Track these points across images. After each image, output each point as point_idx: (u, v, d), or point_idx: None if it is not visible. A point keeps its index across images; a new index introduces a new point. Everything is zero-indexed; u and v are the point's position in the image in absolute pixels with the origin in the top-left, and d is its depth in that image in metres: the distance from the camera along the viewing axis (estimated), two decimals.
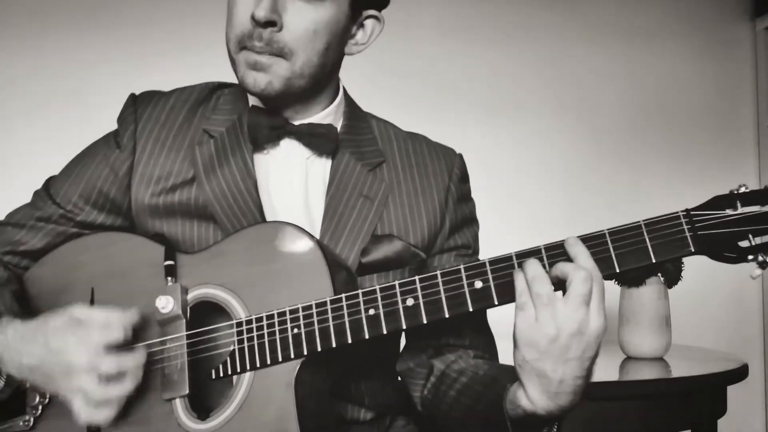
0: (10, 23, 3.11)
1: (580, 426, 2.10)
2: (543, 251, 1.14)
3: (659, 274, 2.43)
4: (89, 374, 1.14)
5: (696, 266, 1.98)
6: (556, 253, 1.14)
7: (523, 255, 1.15)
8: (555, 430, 1.16)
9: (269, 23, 1.24)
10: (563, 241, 1.14)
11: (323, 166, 1.38)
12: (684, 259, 2.38)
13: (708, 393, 2.24)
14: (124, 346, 1.18)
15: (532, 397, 1.11)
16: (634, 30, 3.48)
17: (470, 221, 1.47)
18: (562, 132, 3.41)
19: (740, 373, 2.31)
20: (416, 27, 3.33)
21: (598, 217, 3.32)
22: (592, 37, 3.46)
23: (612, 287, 2.51)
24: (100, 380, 1.14)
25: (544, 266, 1.12)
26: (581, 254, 1.11)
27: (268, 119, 1.34)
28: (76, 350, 1.14)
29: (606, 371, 2.43)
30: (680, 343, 2.69)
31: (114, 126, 1.43)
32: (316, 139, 1.35)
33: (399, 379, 1.45)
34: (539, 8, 3.42)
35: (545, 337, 1.08)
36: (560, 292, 1.11)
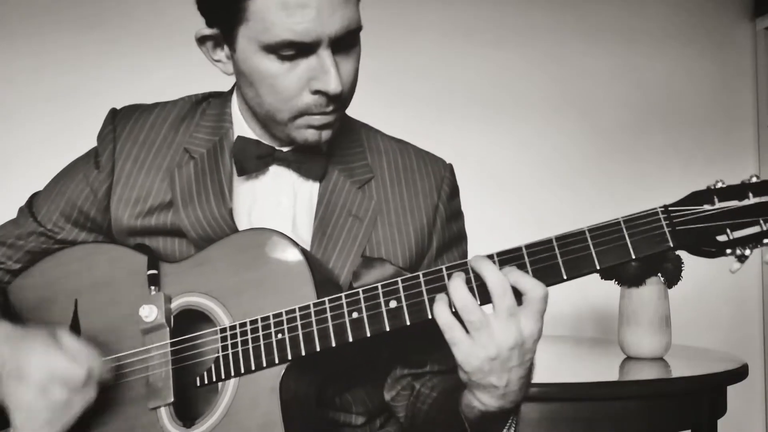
0: (9, 23, 3.13)
1: (581, 426, 2.10)
2: (444, 270, 1.16)
3: (659, 274, 2.43)
4: (38, 392, 1.14)
5: (696, 266, 1.97)
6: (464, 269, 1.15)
7: (503, 253, 1.14)
8: (513, 421, 1.22)
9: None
10: (466, 261, 1.15)
11: (311, 185, 1.37)
12: (684, 259, 2.40)
13: (708, 393, 2.23)
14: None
15: (484, 401, 1.15)
16: (634, 30, 3.47)
17: (458, 240, 1.46)
18: (562, 131, 3.41)
19: (740, 373, 2.30)
20: (417, 27, 3.33)
21: (599, 216, 3.31)
22: (592, 37, 3.45)
23: (612, 287, 2.51)
24: (47, 401, 1.15)
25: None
26: (486, 270, 1.12)
27: (256, 149, 1.34)
28: (36, 362, 1.15)
29: (606, 371, 2.43)
30: (680, 343, 2.68)
31: None
32: (304, 166, 1.34)
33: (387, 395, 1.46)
34: (540, 9, 3.42)
35: (487, 358, 1.10)
36: (490, 309, 1.12)
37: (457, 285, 1.11)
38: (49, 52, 3.13)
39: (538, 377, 2.12)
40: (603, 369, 2.49)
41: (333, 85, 1.21)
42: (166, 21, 3.17)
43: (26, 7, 3.13)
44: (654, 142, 3.47)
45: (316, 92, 1.23)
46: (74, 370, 1.15)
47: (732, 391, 2.36)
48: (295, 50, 1.20)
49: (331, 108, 1.25)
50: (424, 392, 1.38)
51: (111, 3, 3.18)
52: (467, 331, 1.10)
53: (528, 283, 1.10)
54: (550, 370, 2.47)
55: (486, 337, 1.09)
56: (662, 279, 2.43)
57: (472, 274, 1.14)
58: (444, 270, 1.16)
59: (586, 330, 3.35)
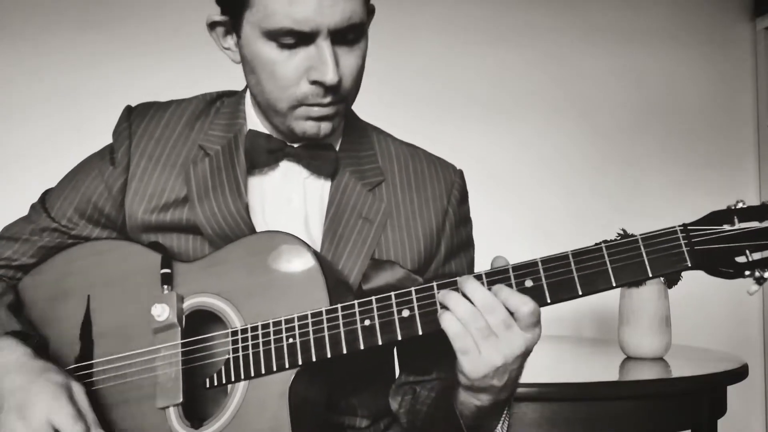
0: (9, 24, 3.12)
1: (580, 426, 2.10)
2: (435, 286, 1.17)
3: None
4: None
5: None
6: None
7: (520, 267, 1.15)
8: (507, 414, 1.24)
9: (338, 82, 1.23)
10: (456, 279, 1.16)
11: (322, 184, 1.37)
12: None
13: (708, 393, 2.23)
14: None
15: (482, 399, 1.18)
16: (634, 30, 3.48)
17: (466, 246, 1.46)
18: (562, 132, 3.41)
19: (740, 373, 2.30)
20: (417, 27, 3.33)
21: (599, 216, 3.33)
22: (592, 37, 3.45)
23: None
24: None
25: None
26: (472, 290, 1.13)
27: (267, 143, 1.34)
28: (42, 406, 1.15)
29: (606, 371, 2.43)
30: (680, 343, 2.68)
31: (111, 127, 1.42)
32: (316, 162, 1.34)
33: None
34: (540, 9, 3.42)
35: (493, 367, 1.12)
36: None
37: (456, 300, 1.13)
38: (49, 52, 3.13)
39: (538, 377, 2.13)
40: (603, 369, 2.49)
41: (330, 76, 1.21)
42: (167, 22, 3.17)
43: (26, 7, 3.13)
44: (654, 142, 3.47)
45: (314, 82, 1.23)
46: (75, 428, 1.15)
47: (732, 391, 2.36)
48: (294, 39, 1.21)
49: (328, 99, 1.25)
50: (423, 393, 1.39)
51: (111, 3, 3.18)
52: (475, 341, 1.12)
53: (515, 300, 1.11)
54: (550, 370, 2.47)
55: (492, 347, 1.11)
56: (662, 279, 2.43)
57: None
58: (458, 280, 1.15)
59: (586, 330, 3.35)
